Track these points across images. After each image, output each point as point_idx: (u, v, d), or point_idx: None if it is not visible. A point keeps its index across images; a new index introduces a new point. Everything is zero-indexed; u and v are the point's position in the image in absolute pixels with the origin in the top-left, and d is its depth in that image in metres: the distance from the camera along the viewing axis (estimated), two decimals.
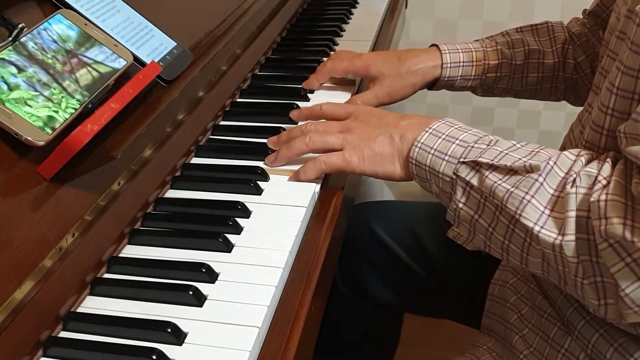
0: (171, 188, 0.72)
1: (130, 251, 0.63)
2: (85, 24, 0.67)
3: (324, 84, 0.94)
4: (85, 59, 0.64)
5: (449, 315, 0.98)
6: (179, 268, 0.59)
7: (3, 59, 0.58)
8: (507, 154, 0.60)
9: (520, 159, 0.59)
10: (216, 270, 0.59)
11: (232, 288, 0.57)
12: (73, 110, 0.59)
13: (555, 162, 0.58)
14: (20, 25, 0.60)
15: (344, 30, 1.16)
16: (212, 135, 0.83)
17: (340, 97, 0.90)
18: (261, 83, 0.97)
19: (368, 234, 0.95)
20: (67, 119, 0.58)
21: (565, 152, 0.59)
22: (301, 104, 0.88)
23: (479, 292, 0.84)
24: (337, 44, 1.11)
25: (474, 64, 0.91)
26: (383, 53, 0.94)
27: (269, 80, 0.98)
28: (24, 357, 0.50)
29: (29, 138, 0.54)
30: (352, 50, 0.97)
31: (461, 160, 0.62)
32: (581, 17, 0.95)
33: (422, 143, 0.66)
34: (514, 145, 0.62)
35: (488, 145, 0.62)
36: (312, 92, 0.92)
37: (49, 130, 0.56)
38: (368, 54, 0.93)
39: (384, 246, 0.94)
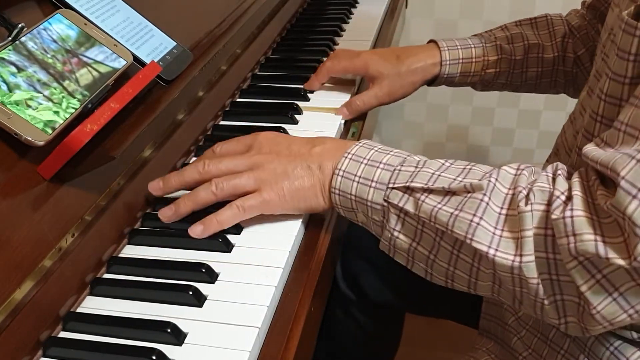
0: None
1: (130, 251, 0.63)
2: (85, 24, 0.67)
3: (324, 85, 0.94)
4: (85, 59, 0.64)
5: (449, 316, 0.98)
6: (179, 268, 0.59)
7: (3, 59, 0.58)
8: (439, 175, 0.58)
9: (455, 179, 0.57)
10: (216, 270, 0.59)
11: (232, 288, 0.57)
12: (73, 110, 0.59)
13: (496, 179, 0.55)
14: (20, 25, 0.60)
15: (344, 30, 1.16)
16: (212, 135, 0.83)
17: (341, 97, 0.90)
18: (261, 83, 0.97)
19: (368, 234, 0.94)
20: (67, 119, 0.58)
21: (504, 167, 0.57)
22: (301, 103, 0.88)
23: None
24: (337, 44, 1.11)
25: (473, 60, 0.90)
26: (382, 51, 0.93)
27: (269, 80, 0.98)
28: (24, 357, 0.50)
29: (29, 138, 0.54)
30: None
31: (390, 186, 0.59)
32: (580, 8, 0.94)
33: (343, 171, 0.62)
34: (443, 164, 0.59)
35: (416, 167, 0.59)
36: (312, 92, 0.92)
37: (48, 130, 0.56)
38: (367, 53, 0.92)
39: None
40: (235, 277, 0.58)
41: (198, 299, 0.56)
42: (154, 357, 0.50)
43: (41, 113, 0.57)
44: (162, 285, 0.58)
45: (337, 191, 0.62)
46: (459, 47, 0.90)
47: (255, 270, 0.59)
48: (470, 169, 0.58)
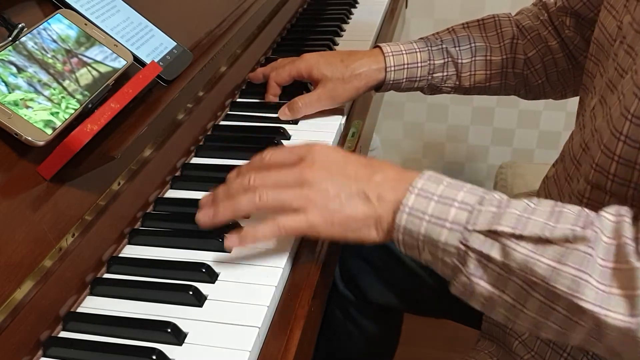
0: (171, 188, 0.72)
1: (130, 251, 0.63)
2: (85, 24, 0.67)
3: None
4: (85, 59, 0.64)
5: (449, 316, 0.98)
6: (179, 268, 0.59)
7: (3, 59, 0.58)
8: (528, 218, 0.52)
9: (546, 223, 0.51)
10: (216, 270, 0.59)
11: (232, 288, 0.57)
12: (73, 110, 0.59)
13: (600, 229, 0.50)
14: (20, 25, 0.60)
15: (344, 30, 1.16)
16: (212, 135, 0.83)
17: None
18: (261, 83, 0.97)
19: None
20: (67, 119, 0.58)
21: (603, 213, 0.51)
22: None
23: None
24: (337, 44, 1.11)
25: (419, 65, 0.88)
26: (326, 54, 0.90)
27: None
28: (24, 357, 0.50)
29: (29, 138, 0.54)
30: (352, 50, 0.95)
31: (470, 228, 0.53)
32: (532, 6, 0.92)
33: (410, 207, 0.55)
34: (528, 205, 0.53)
35: (498, 207, 0.53)
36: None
37: (49, 130, 0.56)
38: (310, 55, 0.88)
39: (384, 247, 0.93)
40: (235, 277, 0.59)
41: (198, 299, 0.56)
42: (154, 357, 0.50)
43: (41, 113, 0.57)
44: (162, 285, 0.58)
45: (401, 229, 0.56)
46: (403, 52, 0.88)
47: (255, 270, 0.59)
48: (560, 211, 0.53)
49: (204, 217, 0.60)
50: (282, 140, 0.79)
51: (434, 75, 0.89)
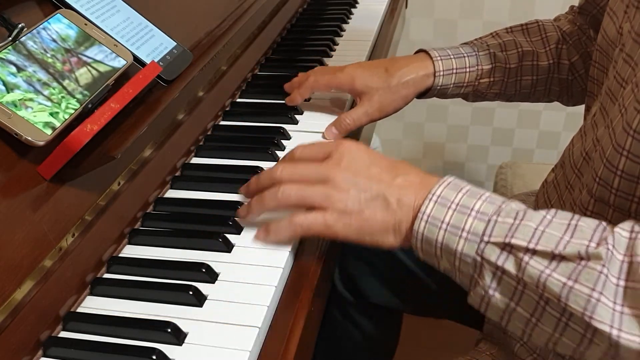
0: (171, 188, 0.72)
1: (130, 251, 0.63)
2: (85, 24, 0.67)
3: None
4: (85, 58, 0.64)
5: (449, 316, 0.98)
6: (179, 268, 0.59)
7: (3, 59, 0.58)
8: (543, 231, 0.51)
9: (561, 237, 0.50)
10: (216, 270, 0.59)
11: (232, 288, 0.57)
12: (73, 110, 0.59)
13: (613, 246, 0.49)
14: (20, 25, 0.60)
15: (344, 30, 1.16)
16: (212, 135, 0.83)
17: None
18: (261, 83, 0.97)
19: None
20: (67, 119, 0.58)
21: (617, 230, 0.50)
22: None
23: None
24: (337, 44, 1.11)
25: (467, 70, 0.86)
26: (368, 64, 0.86)
27: (269, 80, 0.98)
28: (24, 357, 0.50)
29: (29, 138, 0.54)
30: (352, 50, 0.95)
31: (485, 239, 0.52)
32: (567, 13, 0.92)
33: (428, 215, 0.55)
34: (545, 217, 0.53)
35: (514, 219, 0.52)
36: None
37: (48, 130, 0.56)
38: (351, 66, 0.84)
39: None
40: (235, 277, 0.59)
41: (198, 299, 0.56)
42: (154, 357, 0.50)
43: (41, 113, 0.57)
44: (162, 285, 0.58)
45: (419, 236, 0.56)
46: (451, 56, 0.85)
47: (255, 270, 0.59)
48: (576, 224, 0.52)
49: (242, 213, 0.64)
50: (282, 140, 0.79)
51: (481, 81, 0.87)
